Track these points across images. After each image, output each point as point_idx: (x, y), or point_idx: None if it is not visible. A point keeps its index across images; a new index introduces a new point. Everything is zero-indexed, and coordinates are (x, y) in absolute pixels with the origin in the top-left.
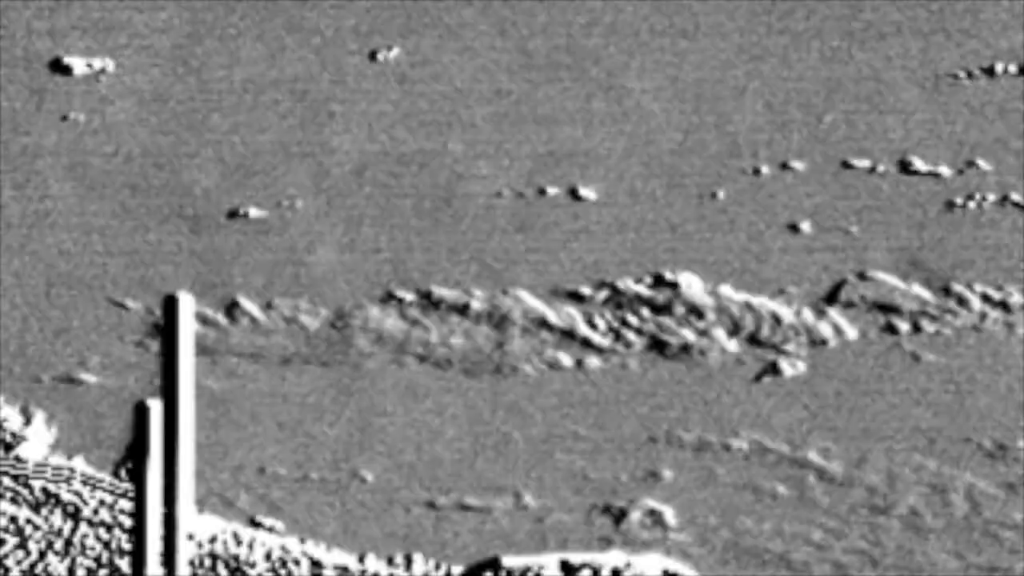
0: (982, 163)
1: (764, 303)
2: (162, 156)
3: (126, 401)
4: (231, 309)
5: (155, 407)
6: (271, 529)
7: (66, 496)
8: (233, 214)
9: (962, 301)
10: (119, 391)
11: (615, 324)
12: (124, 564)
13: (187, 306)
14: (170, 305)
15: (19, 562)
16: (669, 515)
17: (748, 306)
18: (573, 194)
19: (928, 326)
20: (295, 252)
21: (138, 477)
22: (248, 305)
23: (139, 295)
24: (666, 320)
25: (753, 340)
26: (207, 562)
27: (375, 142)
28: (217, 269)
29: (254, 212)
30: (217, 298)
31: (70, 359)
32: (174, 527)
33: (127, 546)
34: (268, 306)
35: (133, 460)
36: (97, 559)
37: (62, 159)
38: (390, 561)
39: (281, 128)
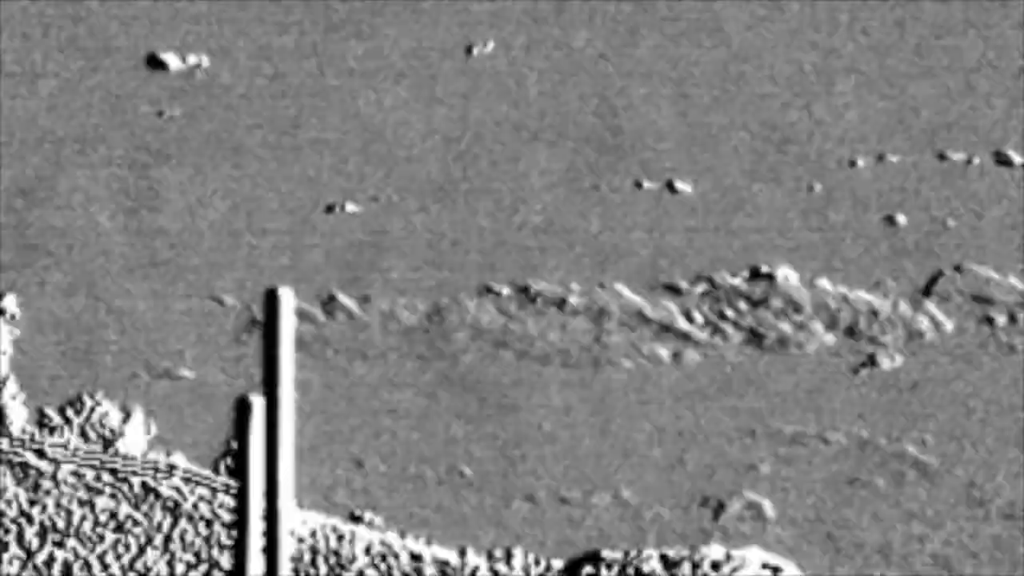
0: None
1: (861, 296)
2: (256, 152)
3: (224, 397)
4: (328, 304)
5: (257, 403)
6: (370, 524)
7: (166, 492)
8: (330, 208)
9: None
10: (216, 387)
11: (712, 317)
12: (225, 560)
13: (287, 301)
14: (270, 300)
15: (119, 557)
16: (767, 508)
17: (845, 299)
18: (670, 187)
19: None
20: (392, 246)
21: (240, 473)
22: (345, 300)
23: (236, 290)
24: (763, 313)
25: (850, 333)
26: (307, 557)
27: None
28: (314, 264)
29: (350, 207)
30: (314, 293)
31: (168, 355)
32: (275, 522)
33: (227, 541)
34: (365, 300)
35: (235, 456)
36: (197, 555)
37: (158, 154)
38: (490, 555)
39: (375, 122)
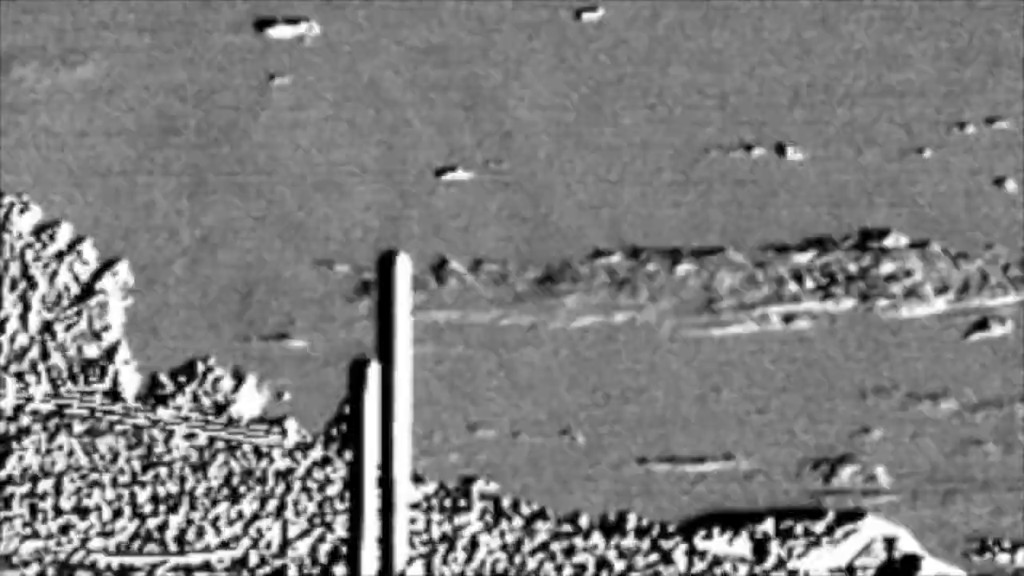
0: None
1: (972, 260)
2: (365, 118)
3: (335, 362)
4: (439, 269)
5: (371, 367)
6: (483, 488)
7: (278, 457)
8: (440, 172)
9: None
10: (328, 352)
11: (824, 282)
12: (338, 524)
13: (403, 266)
14: (385, 265)
15: (231, 523)
16: (879, 472)
17: (955, 263)
18: (780, 151)
19: None
20: (502, 212)
21: (355, 437)
22: (456, 265)
23: (347, 255)
24: (874, 278)
25: (961, 297)
26: (420, 521)
27: (568, 99)
28: (425, 229)
29: (461, 173)
30: (425, 258)
31: (279, 320)
32: (390, 487)
33: (340, 506)
34: (476, 266)
35: (349, 420)
36: (310, 520)
37: (267, 120)
38: (603, 520)
39: (473, 90)
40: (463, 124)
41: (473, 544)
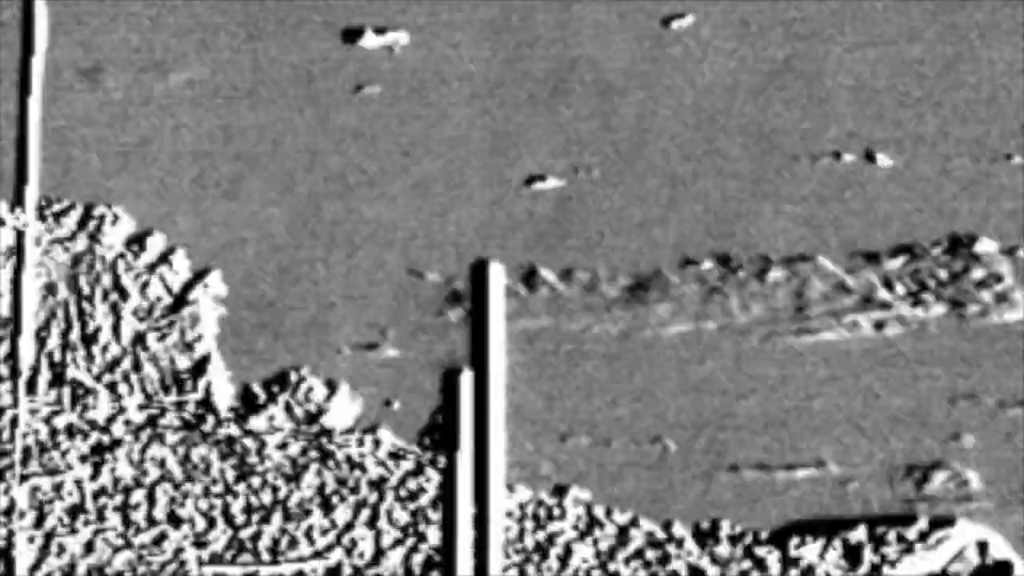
0: None
1: None
2: (455, 127)
3: (427, 371)
4: (529, 278)
5: (465, 376)
6: (577, 497)
7: (372, 467)
8: (530, 181)
9: None
10: (419, 361)
11: (914, 288)
12: (432, 534)
13: (496, 274)
14: (478, 273)
15: (324, 533)
16: (972, 478)
17: None
18: (869, 158)
19: None
20: (593, 219)
21: (449, 446)
22: (546, 274)
23: (436, 264)
24: (965, 283)
25: None
26: (514, 531)
27: (664, 107)
28: (515, 237)
29: (552, 181)
30: (515, 267)
31: (370, 329)
32: (485, 496)
33: (434, 516)
34: (566, 275)
35: (443, 429)
36: (404, 529)
37: (358, 129)
38: (696, 528)
39: (581, 95)
40: (556, 132)
41: (567, 552)
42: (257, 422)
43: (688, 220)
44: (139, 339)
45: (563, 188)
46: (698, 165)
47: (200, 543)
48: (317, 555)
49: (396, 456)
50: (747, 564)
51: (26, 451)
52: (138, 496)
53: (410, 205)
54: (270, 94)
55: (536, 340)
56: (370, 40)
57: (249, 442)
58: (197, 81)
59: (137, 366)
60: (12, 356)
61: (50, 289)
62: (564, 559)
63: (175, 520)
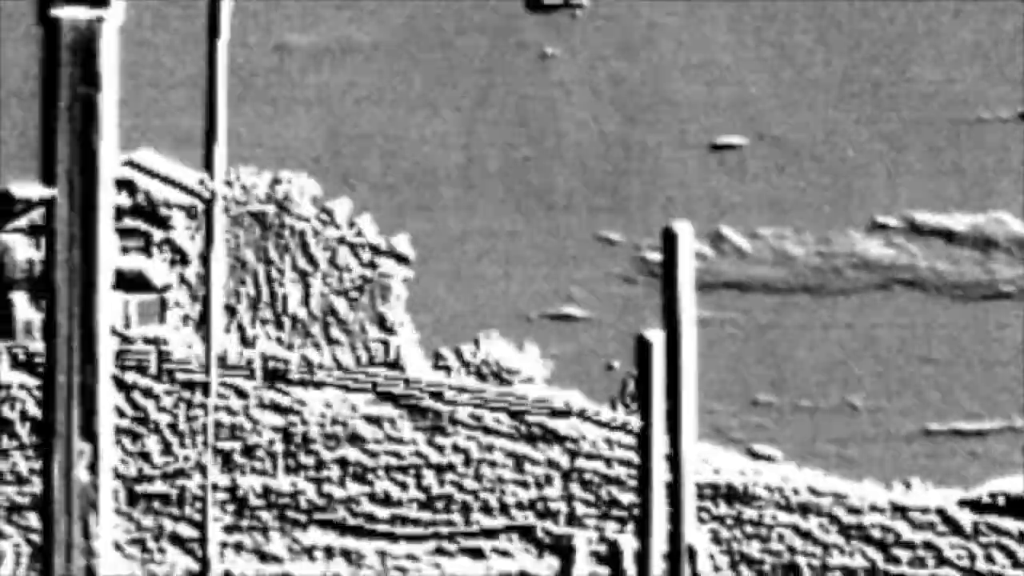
0: None
1: None
2: (640, 90)
3: (616, 335)
4: (717, 240)
5: (657, 339)
6: (768, 458)
7: (563, 430)
8: (714, 145)
9: None
10: (608, 325)
11: None
12: (625, 498)
13: (686, 238)
14: (669, 237)
15: (512, 494)
16: None
17: None
18: None
19: None
20: (778, 181)
21: (643, 409)
22: (733, 236)
23: (624, 228)
24: None
25: None
26: (707, 492)
27: (857, 69)
28: (701, 200)
29: (735, 140)
30: (702, 229)
31: (559, 294)
32: (679, 458)
33: (628, 480)
34: (754, 236)
35: (637, 392)
36: (596, 493)
37: (543, 94)
38: (888, 487)
39: (765, 53)
40: (740, 94)
41: (760, 515)
42: (448, 386)
43: (875, 182)
44: (329, 306)
45: (750, 149)
46: (878, 126)
47: (390, 505)
48: (509, 519)
49: (588, 420)
50: (942, 527)
51: (217, 423)
52: (327, 456)
53: (598, 170)
54: (453, 59)
55: (723, 302)
56: (553, 3)
57: (441, 406)
58: (380, 50)
59: (327, 333)
60: (204, 326)
61: (239, 258)
62: (757, 523)
63: (367, 484)
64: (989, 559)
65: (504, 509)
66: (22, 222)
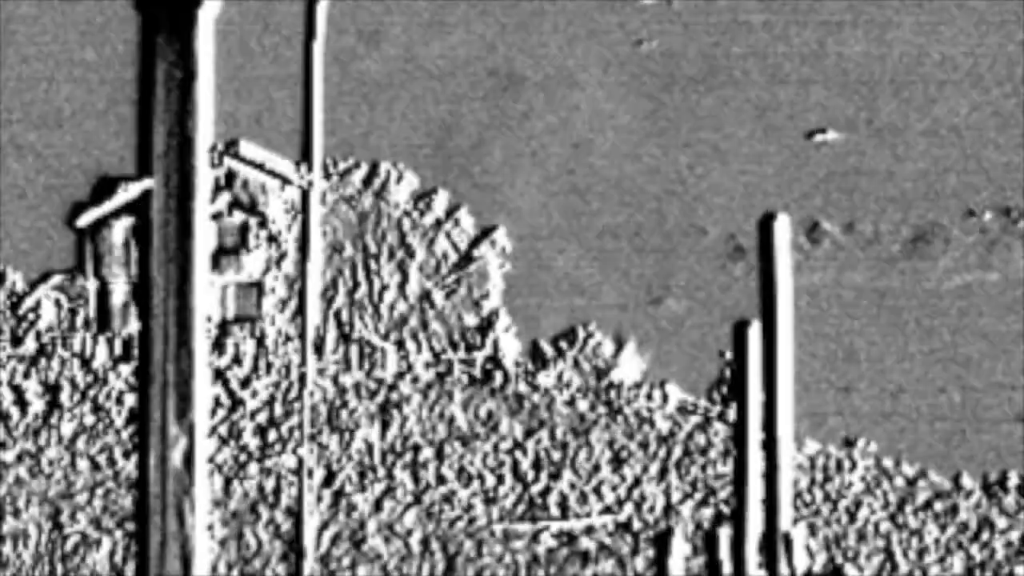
0: None
1: None
2: (737, 82)
3: (713, 325)
4: (812, 231)
5: (754, 328)
6: (864, 448)
7: (660, 421)
8: (811, 134)
9: None
10: (705, 315)
11: None
12: (722, 489)
13: (783, 227)
14: (765, 227)
15: (615, 488)
16: None
17: None
18: None
19: None
20: (874, 173)
21: (739, 399)
22: (829, 227)
23: (719, 219)
24: None
25: None
26: (803, 482)
27: (926, 55)
28: (796, 191)
29: (832, 134)
30: (798, 220)
31: (656, 285)
32: (775, 448)
33: (725, 470)
34: (849, 227)
35: (732, 382)
36: (693, 483)
37: (630, 83)
38: (985, 480)
39: (840, 55)
40: (832, 86)
41: (856, 505)
42: (545, 378)
43: (969, 173)
44: (426, 297)
45: (844, 141)
46: (975, 116)
47: (490, 500)
48: (607, 511)
49: (684, 410)
50: None
51: (314, 410)
52: (427, 454)
53: (693, 161)
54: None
55: (818, 292)
56: None
57: (538, 398)
58: (470, 41)
59: (424, 324)
60: (300, 315)
61: (336, 248)
62: (853, 512)
63: (465, 478)
64: None
65: (601, 499)
66: (120, 210)
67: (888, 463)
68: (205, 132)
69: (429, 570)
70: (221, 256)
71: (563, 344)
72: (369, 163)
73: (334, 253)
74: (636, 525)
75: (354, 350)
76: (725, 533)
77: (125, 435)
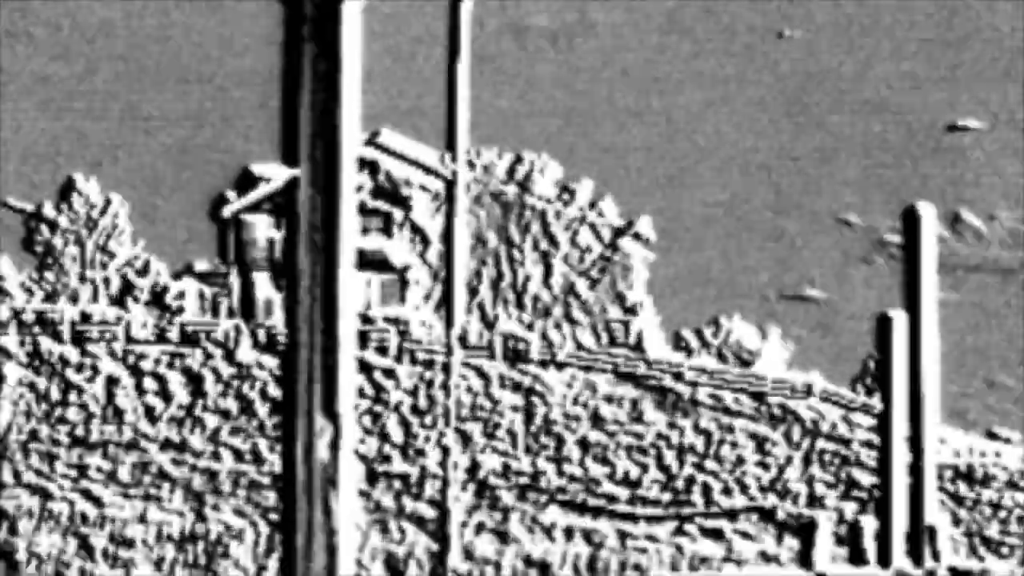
0: None
1: None
2: (872, 74)
3: (856, 316)
4: (955, 222)
5: (898, 320)
6: (1007, 440)
7: (803, 411)
8: (952, 127)
9: None
10: (848, 306)
11: None
12: (865, 479)
13: (929, 219)
14: (910, 219)
15: (758, 478)
16: None
17: None
18: None
19: None
20: (1017, 164)
21: (882, 391)
22: (971, 218)
23: (864, 210)
24: None
25: None
26: (947, 474)
27: None
28: (940, 183)
29: (973, 123)
30: (941, 211)
31: (799, 276)
32: (919, 439)
33: (868, 461)
34: (991, 218)
35: (878, 371)
36: (836, 474)
37: (774, 73)
38: None
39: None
40: (970, 77)
41: (999, 497)
42: (689, 368)
43: None
44: (570, 288)
45: (987, 132)
46: None
47: (633, 490)
48: (751, 499)
49: (828, 401)
50: None
51: (458, 403)
52: (570, 444)
53: (835, 153)
54: (704, 44)
55: (960, 283)
56: None
57: (681, 388)
58: (621, 29)
59: (569, 314)
60: (445, 306)
61: (480, 238)
62: (996, 505)
63: (607, 464)
64: None
65: (745, 490)
66: (264, 201)
67: None
68: (351, 123)
69: (572, 561)
70: (365, 247)
71: (707, 334)
72: (513, 152)
73: (478, 243)
74: (780, 515)
75: (498, 340)
76: (870, 523)
77: (269, 425)
